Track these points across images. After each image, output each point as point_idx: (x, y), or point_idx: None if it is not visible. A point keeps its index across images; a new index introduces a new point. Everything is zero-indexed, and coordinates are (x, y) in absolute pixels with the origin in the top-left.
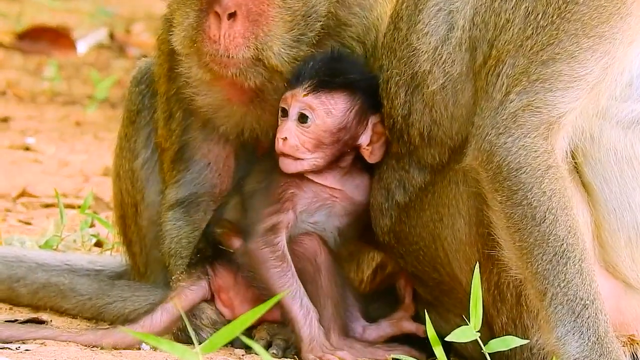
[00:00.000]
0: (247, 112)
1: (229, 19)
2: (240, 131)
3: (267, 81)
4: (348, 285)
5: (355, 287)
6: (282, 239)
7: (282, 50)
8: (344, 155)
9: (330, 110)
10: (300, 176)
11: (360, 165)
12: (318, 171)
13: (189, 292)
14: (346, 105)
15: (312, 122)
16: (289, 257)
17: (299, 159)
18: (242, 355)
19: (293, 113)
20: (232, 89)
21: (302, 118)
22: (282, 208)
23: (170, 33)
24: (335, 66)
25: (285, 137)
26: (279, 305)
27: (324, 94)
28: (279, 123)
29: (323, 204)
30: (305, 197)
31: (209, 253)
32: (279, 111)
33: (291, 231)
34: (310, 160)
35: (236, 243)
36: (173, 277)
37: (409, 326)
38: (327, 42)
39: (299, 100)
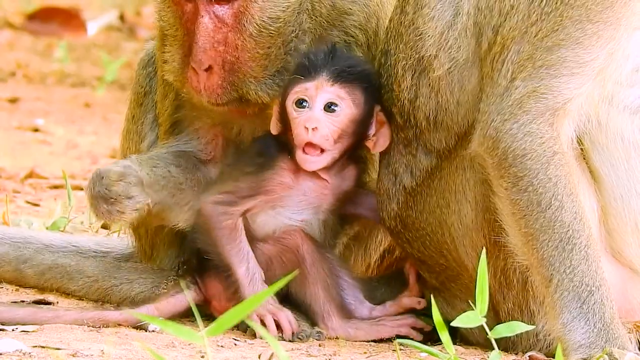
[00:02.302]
0: (250, 121)
1: (205, 72)
2: (241, 134)
3: (262, 105)
4: (345, 270)
5: (352, 272)
6: (237, 212)
7: (261, 88)
8: (351, 147)
9: (354, 100)
10: (296, 174)
11: (350, 156)
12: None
13: (173, 300)
14: (363, 95)
15: (340, 112)
16: (242, 228)
17: (323, 151)
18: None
19: (319, 103)
20: (231, 111)
21: (329, 108)
22: (252, 195)
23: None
24: (346, 58)
25: (316, 127)
26: (226, 266)
27: (348, 84)
28: (294, 115)
29: (311, 203)
30: (292, 197)
31: (195, 263)
32: (293, 103)
33: (265, 224)
34: (331, 152)
35: None
36: (161, 287)
37: (408, 302)
38: (331, 32)
39: (325, 90)
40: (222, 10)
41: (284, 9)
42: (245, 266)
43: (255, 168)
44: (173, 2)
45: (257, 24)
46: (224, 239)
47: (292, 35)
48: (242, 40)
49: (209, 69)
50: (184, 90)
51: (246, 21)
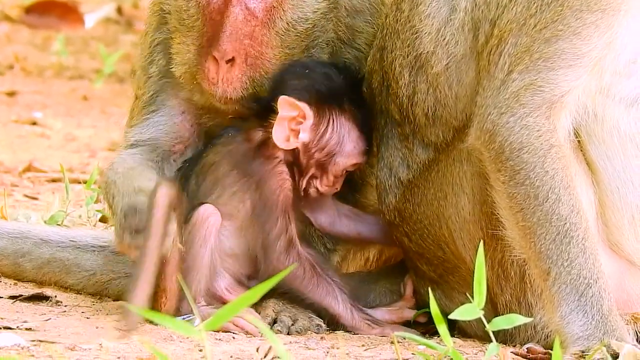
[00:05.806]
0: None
1: (227, 63)
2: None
3: None
4: (337, 279)
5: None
6: (299, 247)
7: None
8: None
9: None
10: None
11: None
12: None
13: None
14: None
15: None
16: (308, 257)
17: None
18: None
19: None
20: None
21: None
22: (289, 218)
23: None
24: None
25: None
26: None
27: None
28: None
29: None
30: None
31: None
32: None
33: None
34: None
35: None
36: None
37: (408, 314)
38: (344, 50)
39: None
40: (255, 3)
41: (314, 10)
42: (339, 301)
43: (261, 203)
44: None
45: (287, 22)
46: (309, 288)
47: (316, 42)
48: (269, 36)
49: (230, 60)
50: (191, 85)
51: (278, 17)
